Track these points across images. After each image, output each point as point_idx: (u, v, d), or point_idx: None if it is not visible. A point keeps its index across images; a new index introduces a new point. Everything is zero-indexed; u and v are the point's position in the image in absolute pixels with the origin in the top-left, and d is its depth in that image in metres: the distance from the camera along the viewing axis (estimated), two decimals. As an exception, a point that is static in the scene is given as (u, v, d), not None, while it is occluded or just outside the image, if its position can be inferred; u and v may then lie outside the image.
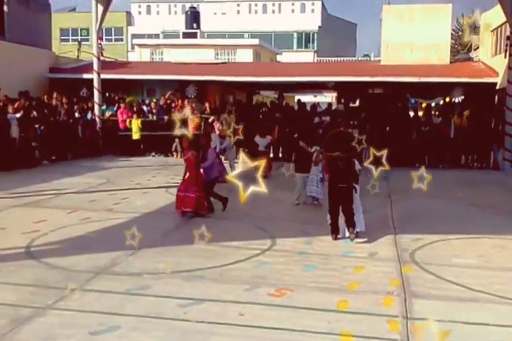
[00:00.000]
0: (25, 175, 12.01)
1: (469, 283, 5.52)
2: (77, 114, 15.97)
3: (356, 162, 7.41)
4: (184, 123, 16.31)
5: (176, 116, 14.65)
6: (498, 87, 16.62)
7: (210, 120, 15.96)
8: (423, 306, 4.90)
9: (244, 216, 8.49)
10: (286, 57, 37.66)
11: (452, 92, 17.44)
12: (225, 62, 24.34)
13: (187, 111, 14.97)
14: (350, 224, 6.97)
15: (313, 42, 49.33)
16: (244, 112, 16.98)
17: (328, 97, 26.56)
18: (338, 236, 7.12)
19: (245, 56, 30.29)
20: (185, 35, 34.18)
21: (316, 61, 38.81)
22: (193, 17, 35.94)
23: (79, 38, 39.94)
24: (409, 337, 4.27)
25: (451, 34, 23.83)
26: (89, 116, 16.58)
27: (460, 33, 36.31)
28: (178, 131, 10.42)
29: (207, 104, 16.93)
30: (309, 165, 8.95)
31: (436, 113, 16.74)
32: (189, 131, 15.69)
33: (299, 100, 19.71)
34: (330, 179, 7.29)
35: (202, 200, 8.21)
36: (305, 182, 9.19)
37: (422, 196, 10.44)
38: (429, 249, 6.88)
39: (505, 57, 15.45)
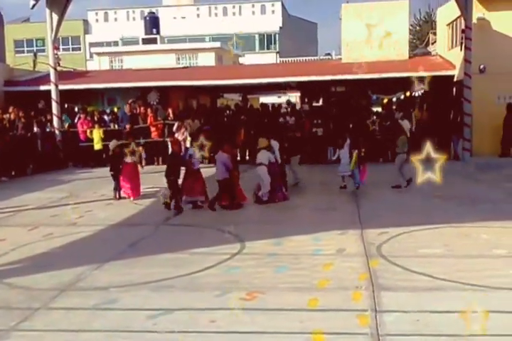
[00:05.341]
0: (-16, 193, 11.61)
1: (435, 272, 5.63)
2: (35, 128, 15.60)
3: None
4: (147, 129, 16.21)
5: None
6: (455, 79, 17.02)
7: (175, 126, 15.84)
8: (391, 298, 4.96)
9: (212, 221, 8.44)
10: (248, 59, 37.67)
11: (412, 87, 17.77)
12: (187, 67, 24.21)
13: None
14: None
15: (275, 43, 49.53)
16: (209, 116, 16.89)
17: (293, 97, 26.68)
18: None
19: (207, 60, 30.19)
20: (145, 41, 33.81)
21: (278, 62, 38.98)
22: (152, 22, 35.58)
23: (34, 48, 38.93)
24: (378, 329, 4.30)
25: (409, 29, 24.27)
26: (48, 128, 16.21)
27: (418, 28, 37.10)
28: None
29: (170, 110, 16.76)
30: None
31: (396, 108, 16.99)
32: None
33: (261, 103, 19.75)
34: None
35: None
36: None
37: (387, 190, 10.66)
38: (395, 241, 6.98)
39: (461, 50, 15.83)
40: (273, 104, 18.85)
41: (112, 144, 10.50)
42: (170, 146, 15.34)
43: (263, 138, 10.00)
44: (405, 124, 11.70)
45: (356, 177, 10.43)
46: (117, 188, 10.36)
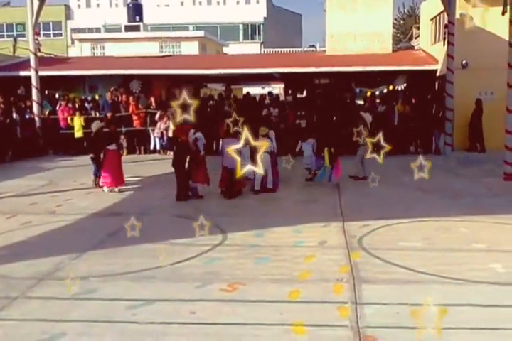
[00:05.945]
0: (-39, 180, 11.35)
1: (415, 265, 5.68)
2: (14, 114, 15.26)
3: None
4: (129, 118, 16.00)
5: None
6: (438, 74, 17.15)
7: (157, 115, 15.68)
8: (371, 291, 5.00)
9: (194, 211, 8.37)
10: (232, 49, 37.37)
11: (395, 80, 17.86)
12: (170, 55, 23.91)
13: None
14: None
15: (259, 33, 49.26)
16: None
17: (276, 89, 26.59)
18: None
19: (191, 49, 29.84)
20: (128, 29, 33.25)
21: (262, 52, 38.78)
22: (136, 9, 34.96)
23: (14, 33, 38.05)
24: (358, 322, 4.33)
25: (393, 23, 24.34)
26: (27, 115, 15.91)
27: (402, 21, 37.25)
28: None
29: (152, 99, 16.55)
30: None
31: (379, 101, 17.05)
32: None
33: (246, 93, 19.62)
34: None
35: None
36: None
37: (369, 183, 10.71)
38: (376, 234, 7.02)
39: (444, 44, 15.92)
40: (261, 95, 18.69)
41: (95, 125, 10.28)
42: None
43: (264, 127, 9.99)
44: (367, 117, 11.75)
45: (325, 172, 10.48)
46: (97, 174, 10.14)
